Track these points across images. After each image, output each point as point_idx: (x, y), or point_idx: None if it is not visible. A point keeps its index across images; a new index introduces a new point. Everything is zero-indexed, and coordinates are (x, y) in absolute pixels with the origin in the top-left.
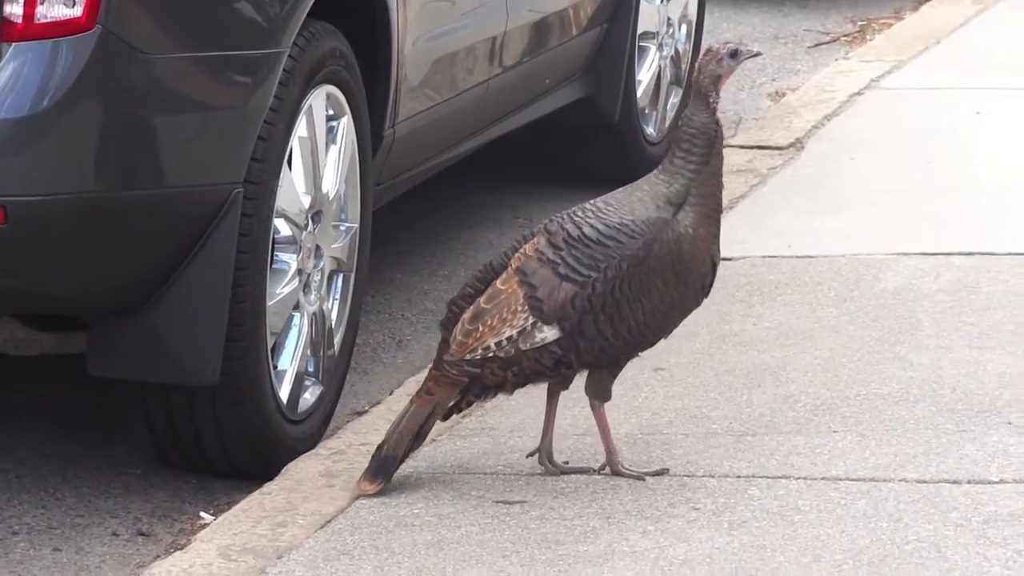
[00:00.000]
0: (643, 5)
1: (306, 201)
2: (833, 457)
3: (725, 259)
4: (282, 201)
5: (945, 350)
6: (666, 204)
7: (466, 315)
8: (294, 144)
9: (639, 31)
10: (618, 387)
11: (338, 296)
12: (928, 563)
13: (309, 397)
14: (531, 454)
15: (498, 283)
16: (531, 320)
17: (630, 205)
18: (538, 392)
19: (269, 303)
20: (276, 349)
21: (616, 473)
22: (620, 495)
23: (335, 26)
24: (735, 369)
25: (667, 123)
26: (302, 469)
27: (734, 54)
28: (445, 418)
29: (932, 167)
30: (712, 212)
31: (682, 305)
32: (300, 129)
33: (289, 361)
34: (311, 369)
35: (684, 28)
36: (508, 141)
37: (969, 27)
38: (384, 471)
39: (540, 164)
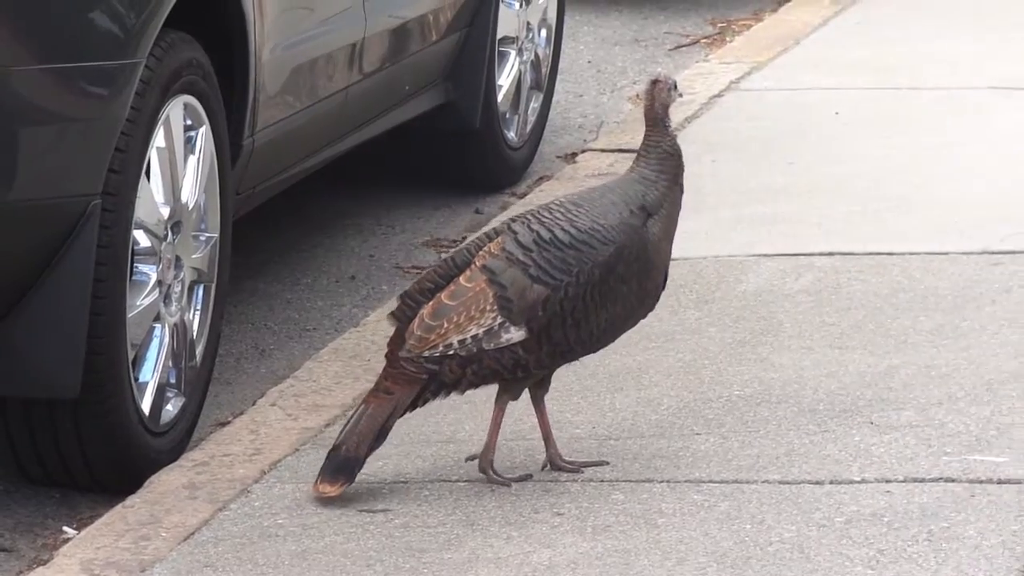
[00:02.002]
0: (502, 10)
1: (165, 212)
2: (696, 460)
3: None
4: (141, 212)
5: (806, 351)
6: (639, 211)
7: (426, 310)
8: (152, 155)
9: (499, 36)
10: (480, 393)
11: (199, 307)
12: (791, 564)
13: (171, 409)
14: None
15: (462, 280)
16: (499, 320)
17: (602, 208)
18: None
19: (129, 315)
20: (137, 361)
21: (482, 471)
22: (484, 501)
23: (192, 36)
24: (597, 373)
25: (528, 128)
26: (165, 481)
27: (677, 86)
28: (400, 416)
29: (792, 168)
30: (671, 229)
31: (638, 313)
32: (158, 140)
33: (150, 373)
34: (173, 381)
35: (544, 33)
36: (370, 148)
37: (827, 28)
38: (346, 471)
39: (402, 171)
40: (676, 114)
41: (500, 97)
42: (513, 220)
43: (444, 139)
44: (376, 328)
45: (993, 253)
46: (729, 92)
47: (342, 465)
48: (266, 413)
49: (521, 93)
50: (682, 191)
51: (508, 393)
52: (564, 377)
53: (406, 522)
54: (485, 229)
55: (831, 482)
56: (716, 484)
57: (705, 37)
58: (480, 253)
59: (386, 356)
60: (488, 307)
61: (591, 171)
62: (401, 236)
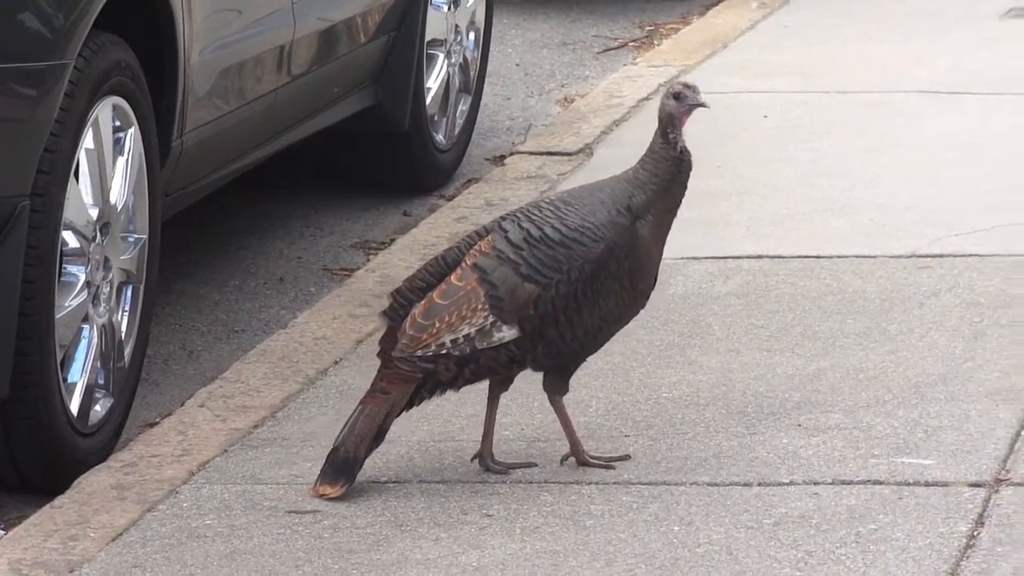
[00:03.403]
0: (431, 13)
1: (94, 213)
2: (625, 462)
3: None
4: (69, 213)
5: (735, 353)
6: (626, 211)
7: (417, 310)
8: (81, 156)
9: (427, 39)
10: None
11: (128, 308)
12: (720, 565)
13: (100, 409)
14: (474, 458)
15: (453, 279)
16: (491, 319)
17: (591, 207)
18: (332, 400)
19: (58, 316)
20: (66, 362)
21: (583, 463)
22: (413, 503)
23: (121, 37)
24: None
25: (457, 130)
26: (93, 482)
27: (676, 96)
28: (397, 416)
29: (721, 171)
30: (661, 233)
31: (630, 312)
32: (87, 141)
33: (79, 374)
34: (101, 381)
35: (472, 35)
36: (299, 150)
37: (755, 31)
38: (346, 473)
39: (331, 173)
40: (605, 117)
41: (428, 100)
42: (503, 218)
43: (373, 141)
44: (304, 329)
45: (921, 256)
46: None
47: (342, 466)
48: (194, 414)
49: (449, 96)
50: (676, 199)
51: (555, 392)
52: None
53: (335, 523)
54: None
55: (759, 484)
56: (645, 486)
57: (633, 40)
58: (471, 251)
59: (379, 356)
60: (479, 306)
61: (520, 173)
62: (329, 238)
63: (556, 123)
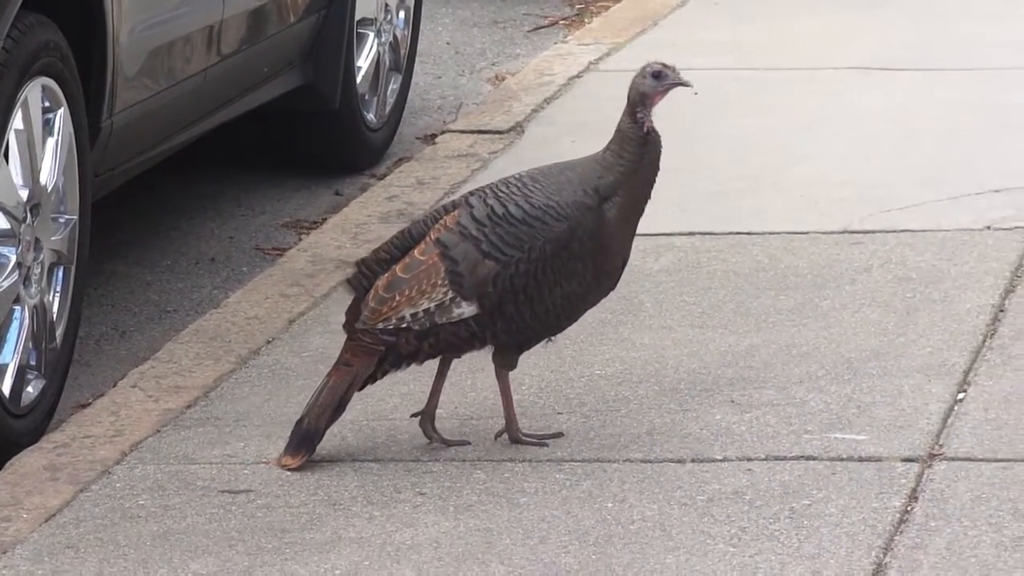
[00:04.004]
0: None
1: (24, 194)
2: (558, 439)
3: None
4: None
5: (667, 330)
6: (593, 192)
7: (380, 282)
8: (10, 137)
9: (357, 18)
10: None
11: (59, 288)
12: (653, 542)
13: (32, 391)
14: (415, 415)
15: (416, 253)
16: (450, 295)
17: (557, 186)
18: (264, 380)
19: None
20: None
21: (515, 441)
22: (346, 481)
23: (49, 18)
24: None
25: (388, 109)
26: (26, 463)
27: (656, 75)
28: (360, 388)
29: None
30: (631, 215)
31: (596, 293)
32: (16, 122)
33: (11, 355)
34: (33, 362)
35: (402, 14)
36: (230, 130)
37: (686, 8)
38: (307, 444)
39: (262, 152)
40: (536, 95)
41: (359, 79)
42: (472, 193)
43: (303, 121)
44: (236, 309)
45: (853, 232)
46: (588, 73)
47: (304, 438)
48: (127, 395)
49: (380, 75)
50: (647, 179)
51: (503, 366)
52: None
53: (268, 502)
54: (445, 201)
55: (692, 461)
56: (578, 463)
57: (564, 18)
58: (436, 226)
59: (344, 327)
60: (439, 281)
61: (451, 152)
62: (261, 218)
63: (487, 101)
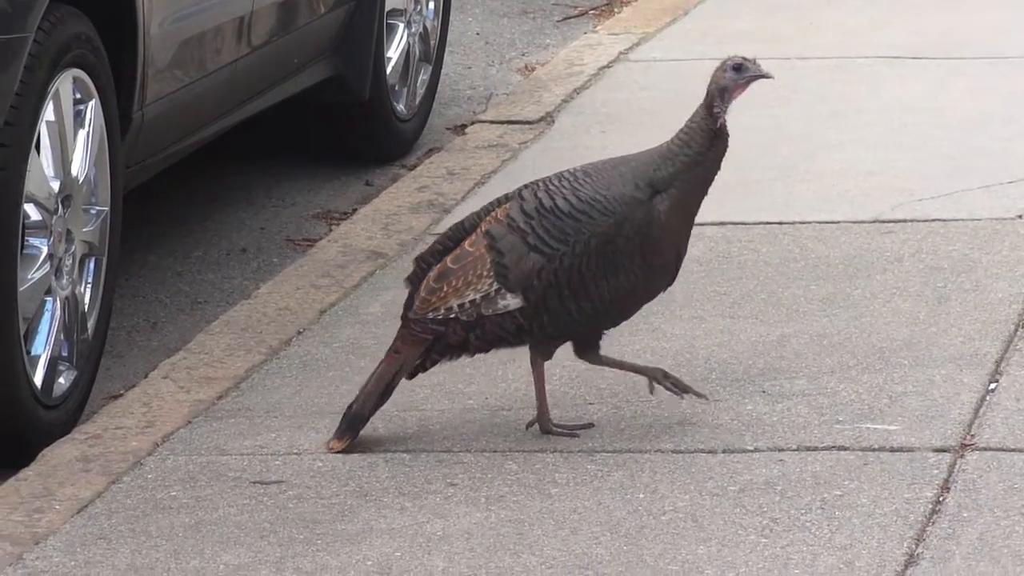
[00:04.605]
0: None
1: (55, 185)
2: (589, 429)
3: None
4: (31, 186)
5: (698, 320)
6: (646, 185)
7: (432, 273)
8: (42, 129)
9: (387, 8)
10: (374, 365)
11: (91, 280)
12: (685, 533)
13: (64, 382)
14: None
15: (467, 244)
16: (495, 286)
17: (608, 180)
18: (295, 371)
19: (21, 288)
20: (29, 334)
21: (546, 431)
22: (377, 472)
23: (80, 9)
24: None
25: (418, 100)
26: (58, 454)
27: (737, 68)
28: (410, 377)
29: None
30: (688, 208)
31: (647, 288)
32: (47, 113)
33: (43, 346)
34: (65, 354)
35: (432, 4)
36: (260, 121)
37: None
38: (352, 429)
39: (293, 144)
40: (566, 86)
41: (389, 69)
42: (525, 186)
43: (334, 112)
44: (267, 300)
45: (884, 222)
46: (618, 63)
47: (351, 422)
48: (158, 386)
49: (410, 65)
50: (710, 171)
51: (539, 355)
52: None
53: (299, 493)
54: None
55: (724, 451)
56: (609, 454)
57: (593, 8)
58: (488, 218)
59: (401, 318)
60: (485, 273)
61: (480, 143)
62: (292, 209)
63: (517, 92)
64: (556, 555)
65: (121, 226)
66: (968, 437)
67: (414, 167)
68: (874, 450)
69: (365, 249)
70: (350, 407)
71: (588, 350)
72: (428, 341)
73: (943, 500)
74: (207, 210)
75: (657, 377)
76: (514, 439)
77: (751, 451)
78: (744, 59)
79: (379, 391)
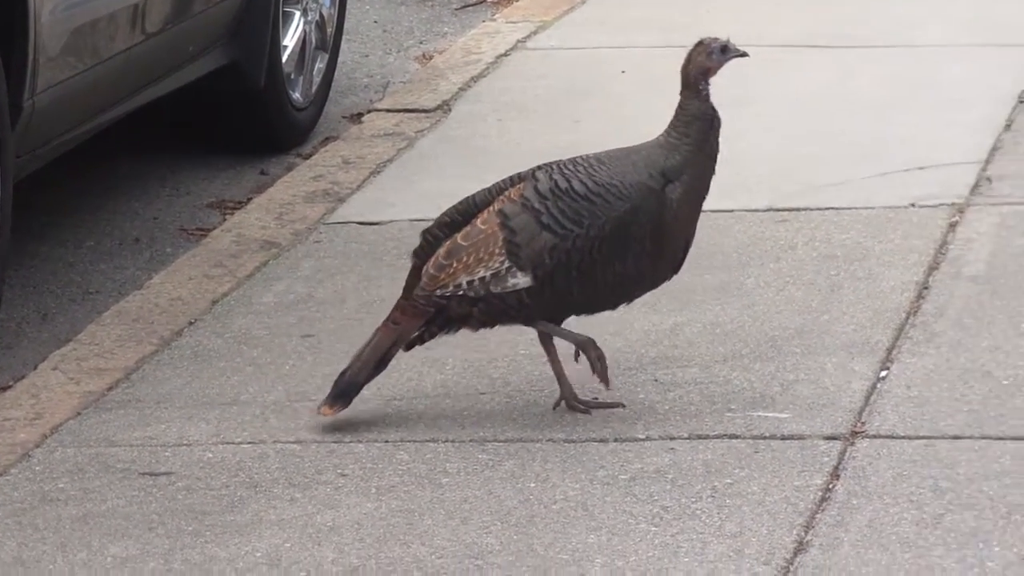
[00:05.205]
0: None
1: None
2: (481, 419)
3: (372, 223)
4: None
5: None
6: (659, 175)
7: (441, 249)
8: None
9: None
10: (266, 355)
11: None
12: (576, 521)
13: None
14: (556, 405)
15: (478, 222)
16: (507, 264)
17: (624, 167)
18: (187, 361)
19: None
20: None
21: (572, 408)
22: (267, 463)
23: None
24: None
25: (314, 88)
26: None
27: (724, 49)
28: (407, 348)
29: (579, 127)
30: (697, 195)
31: (652, 276)
32: None
33: None
34: None
35: None
36: (154, 109)
37: None
38: (344, 397)
39: (187, 132)
40: (463, 74)
41: (285, 58)
42: (540, 167)
43: (229, 100)
44: (159, 290)
45: (778, 210)
46: (516, 51)
47: (343, 391)
48: (47, 377)
49: (306, 54)
50: (712, 155)
51: (548, 335)
52: (349, 339)
53: (189, 484)
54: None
55: (615, 440)
56: (501, 443)
57: None
58: (501, 197)
59: (404, 289)
60: (497, 251)
61: (377, 131)
62: (186, 198)
63: (414, 80)
64: (447, 545)
65: (11, 216)
66: (859, 425)
67: (310, 156)
68: (765, 438)
69: (259, 239)
70: (343, 374)
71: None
72: (429, 314)
73: (833, 488)
74: (100, 200)
75: (587, 348)
76: (405, 429)
77: (643, 440)
78: (717, 39)
79: (375, 360)
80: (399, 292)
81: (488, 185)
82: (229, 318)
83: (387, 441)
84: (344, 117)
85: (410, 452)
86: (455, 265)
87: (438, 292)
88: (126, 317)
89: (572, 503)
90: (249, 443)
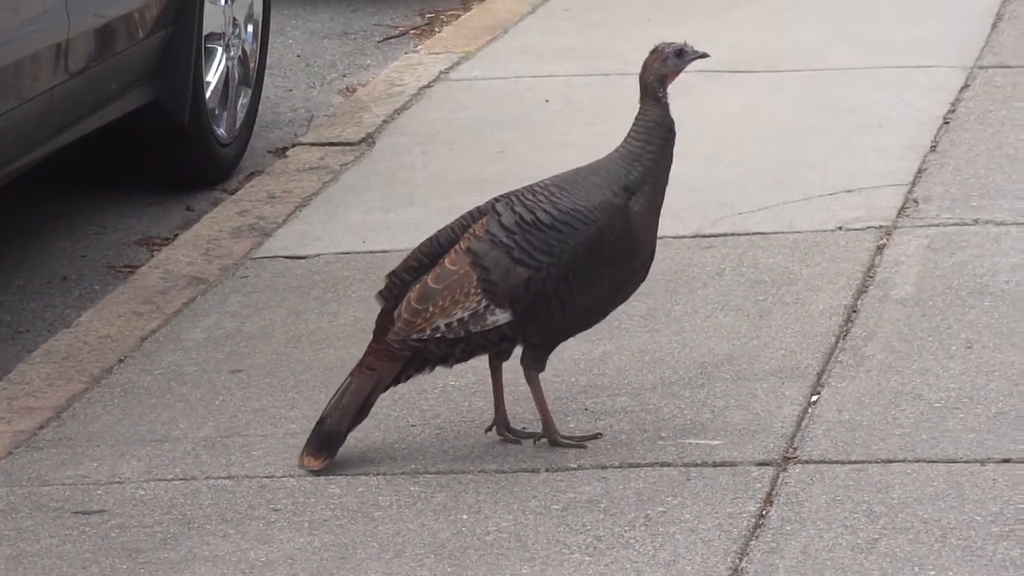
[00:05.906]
0: (208, 7)
1: None
2: (412, 451)
3: (299, 257)
4: None
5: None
6: (622, 191)
7: (412, 294)
8: None
9: (205, 32)
10: (196, 391)
11: None
12: (509, 553)
13: None
14: (488, 429)
15: (447, 263)
16: (484, 303)
17: (585, 190)
18: (117, 399)
19: None
20: None
21: (554, 444)
22: (200, 500)
23: None
24: (312, 367)
25: (238, 123)
26: None
27: (679, 53)
28: (384, 391)
29: (503, 157)
30: (657, 204)
31: (625, 289)
32: None
33: None
34: None
35: (251, 28)
36: (80, 148)
37: (535, 16)
38: (329, 447)
39: (112, 170)
40: (386, 106)
41: (208, 94)
42: (498, 200)
43: (153, 137)
44: (88, 328)
45: (705, 236)
46: (439, 83)
47: (325, 440)
48: None
49: (230, 89)
50: (670, 163)
51: (532, 369)
52: (278, 373)
53: (122, 522)
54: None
55: (547, 470)
56: (432, 475)
57: (414, 28)
58: (465, 235)
59: (374, 332)
60: (472, 290)
61: (301, 165)
62: (113, 235)
63: (338, 113)
64: None
65: None
66: (790, 450)
67: (235, 191)
68: (697, 465)
69: (186, 275)
70: (322, 422)
71: (537, 362)
72: (406, 357)
73: (766, 514)
74: (27, 238)
75: (550, 435)
76: (337, 462)
77: (574, 469)
78: (673, 44)
79: (355, 407)
80: (327, 326)
81: (413, 217)
82: (158, 355)
83: (318, 475)
84: (269, 152)
85: (341, 486)
86: (431, 309)
87: (414, 336)
88: (56, 355)
89: (505, 534)
90: (181, 479)
